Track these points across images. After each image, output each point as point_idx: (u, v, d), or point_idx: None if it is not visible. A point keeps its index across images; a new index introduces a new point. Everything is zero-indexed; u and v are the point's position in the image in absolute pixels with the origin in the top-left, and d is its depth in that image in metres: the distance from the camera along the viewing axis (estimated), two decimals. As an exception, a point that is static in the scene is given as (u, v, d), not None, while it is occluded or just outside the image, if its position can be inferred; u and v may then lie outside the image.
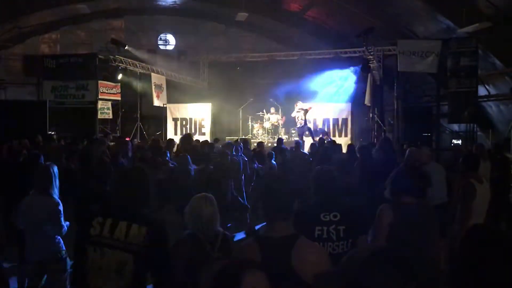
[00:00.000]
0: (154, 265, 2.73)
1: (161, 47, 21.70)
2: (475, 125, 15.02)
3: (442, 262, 5.26)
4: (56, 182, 4.56)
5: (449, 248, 4.95)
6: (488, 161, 6.98)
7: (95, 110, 15.67)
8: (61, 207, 4.51)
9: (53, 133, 14.46)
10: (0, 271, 3.22)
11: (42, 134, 11.54)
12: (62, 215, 4.52)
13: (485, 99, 15.51)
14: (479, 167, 5.23)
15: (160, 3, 19.69)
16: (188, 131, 16.53)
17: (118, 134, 15.98)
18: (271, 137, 16.56)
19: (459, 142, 16.42)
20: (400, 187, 3.55)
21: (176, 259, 3.13)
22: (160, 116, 18.16)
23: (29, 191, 4.63)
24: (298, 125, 15.74)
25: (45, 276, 4.58)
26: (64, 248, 4.60)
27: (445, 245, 5.08)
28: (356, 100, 16.55)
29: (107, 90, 16.30)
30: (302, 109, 15.62)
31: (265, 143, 14.71)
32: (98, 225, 2.77)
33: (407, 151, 6.24)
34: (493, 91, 15.32)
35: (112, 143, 10.58)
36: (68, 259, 4.59)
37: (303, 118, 15.48)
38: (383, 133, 15.91)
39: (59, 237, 4.56)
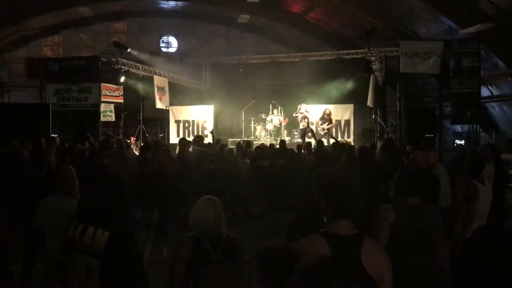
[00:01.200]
0: (117, 271, 2.76)
1: (163, 49, 21.75)
2: (478, 126, 15.00)
3: (444, 262, 5.26)
4: (76, 183, 4.56)
5: (452, 249, 4.95)
6: (493, 163, 6.95)
7: (97, 113, 15.70)
8: None
9: (56, 135, 14.50)
10: (9, 273, 3.25)
11: (45, 136, 11.55)
12: None
13: (488, 100, 15.50)
14: (483, 168, 5.22)
15: (162, 5, 19.75)
16: (191, 133, 16.56)
17: (122, 137, 16.02)
18: (274, 139, 16.56)
19: (462, 142, 16.39)
20: (405, 188, 3.55)
21: (177, 260, 3.14)
22: (162, 118, 18.18)
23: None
24: (301, 127, 15.79)
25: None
26: None
27: (448, 245, 5.09)
28: (359, 102, 16.54)
29: (109, 92, 16.34)
30: (306, 111, 15.69)
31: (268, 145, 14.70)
32: (73, 228, 2.86)
33: (411, 155, 6.24)
34: (496, 92, 15.31)
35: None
36: None
37: (306, 121, 15.55)
38: (385, 134, 15.90)
39: None
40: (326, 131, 15.50)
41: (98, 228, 2.77)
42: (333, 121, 15.88)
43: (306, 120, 15.61)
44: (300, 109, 15.95)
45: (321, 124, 15.60)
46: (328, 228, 2.49)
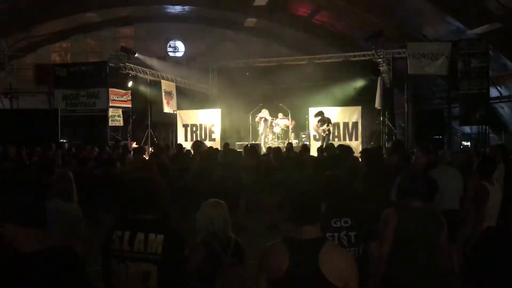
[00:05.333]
0: (173, 272, 2.73)
1: (171, 54, 21.83)
2: (487, 127, 14.88)
3: (455, 265, 5.21)
4: (75, 188, 4.58)
5: (462, 251, 4.89)
6: (503, 164, 6.89)
7: (106, 118, 15.78)
8: (81, 212, 4.52)
9: (64, 141, 14.59)
10: None
11: (54, 142, 11.64)
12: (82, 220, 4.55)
13: (496, 100, 15.38)
14: (494, 170, 5.17)
15: (169, 10, 19.83)
16: (198, 137, 16.59)
17: (129, 141, 16.10)
18: (281, 142, 16.55)
19: (468, 144, 16.29)
20: (407, 191, 3.51)
21: (189, 266, 3.14)
22: (170, 122, 18.23)
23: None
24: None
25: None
26: (82, 252, 4.61)
27: (457, 248, 5.04)
28: (366, 104, 16.48)
29: (117, 97, 16.42)
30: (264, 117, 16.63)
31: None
32: (118, 239, 2.78)
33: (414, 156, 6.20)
34: (504, 92, 15.20)
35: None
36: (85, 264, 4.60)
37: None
38: (394, 136, 15.82)
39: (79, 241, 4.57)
40: (326, 132, 15.17)
41: (149, 233, 2.73)
42: (330, 125, 15.34)
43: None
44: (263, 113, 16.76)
45: (320, 126, 15.37)
46: (292, 233, 2.48)
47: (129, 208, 2.92)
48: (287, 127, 17.09)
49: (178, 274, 2.74)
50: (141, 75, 17.00)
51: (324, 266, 2.32)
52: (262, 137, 16.89)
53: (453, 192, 5.85)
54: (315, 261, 2.33)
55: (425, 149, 9.84)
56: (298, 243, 2.42)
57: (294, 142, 16.28)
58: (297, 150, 11.95)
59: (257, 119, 17.12)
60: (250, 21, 19.28)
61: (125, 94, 16.81)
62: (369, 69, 16.83)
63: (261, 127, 17.07)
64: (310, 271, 2.32)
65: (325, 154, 9.64)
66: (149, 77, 17.35)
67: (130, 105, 17.10)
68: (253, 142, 15.86)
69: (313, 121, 16.17)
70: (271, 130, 17.26)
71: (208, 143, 14.56)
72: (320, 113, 15.24)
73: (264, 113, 16.93)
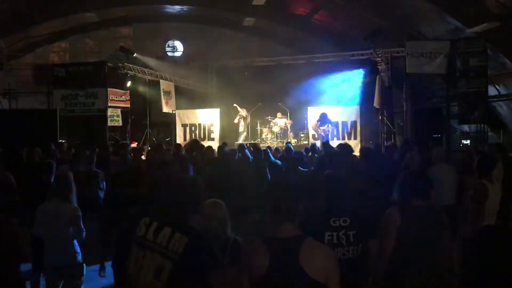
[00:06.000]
0: (187, 274, 2.74)
1: (169, 53, 21.83)
2: (485, 126, 14.89)
3: (455, 264, 5.22)
4: (74, 188, 4.60)
5: (462, 250, 4.90)
6: (501, 162, 6.91)
7: (105, 118, 15.75)
8: (80, 213, 4.55)
9: (63, 141, 14.57)
10: (19, 277, 3.29)
11: (53, 142, 11.62)
12: (81, 220, 4.56)
13: (495, 99, 15.39)
14: (494, 168, 5.19)
15: (167, 10, 19.83)
16: (197, 137, 16.61)
17: (128, 141, 16.08)
18: (280, 141, 16.57)
19: (468, 142, 16.30)
20: (409, 190, 3.52)
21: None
22: (169, 122, 18.23)
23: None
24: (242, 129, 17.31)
25: (62, 282, 4.60)
26: (80, 252, 4.63)
27: (457, 247, 5.04)
28: (365, 103, 16.49)
29: (116, 97, 16.40)
30: (242, 116, 17.32)
31: (274, 147, 14.70)
32: (144, 226, 2.81)
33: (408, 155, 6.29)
34: (503, 91, 15.20)
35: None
36: (84, 264, 4.64)
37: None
38: (392, 135, 15.85)
39: (76, 241, 4.59)
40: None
41: (176, 231, 2.73)
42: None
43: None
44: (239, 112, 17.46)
45: (320, 126, 15.50)
46: (271, 232, 2.51)
47: (171, 209, 2.89)
48: (286, 126, 17.12)
49: (191, 277, 2.74)
50: (140, 75, 17.00)
51: (304, 262, 2.37)
52: (243, 135, 17.21)
53: (450, 188, 6.01)
54: (296, 258, 2.38)
55: (425, 147, 9.88)
56: (277, 241, 2.47)
57: (293, 141, 16.29)
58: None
59: (236, 120, 17.56)
60: (249, 21, 19.29)
61: (124, 94, 16.79)
62: (368, 68, 16.84)
63: (241, 126, 17.49)
64: (291, 268, 2.36)
65: (321, 150, 9.69)
66: (148, 77, 17.35)
67: (129, 105, 17.09)
68: (252, 142, 15.87)
69: (311, 121, 16.21)
70: (269, 129, 17.28)
71: (207, 143, 14.57)
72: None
73: (242, 111, 17.51)
